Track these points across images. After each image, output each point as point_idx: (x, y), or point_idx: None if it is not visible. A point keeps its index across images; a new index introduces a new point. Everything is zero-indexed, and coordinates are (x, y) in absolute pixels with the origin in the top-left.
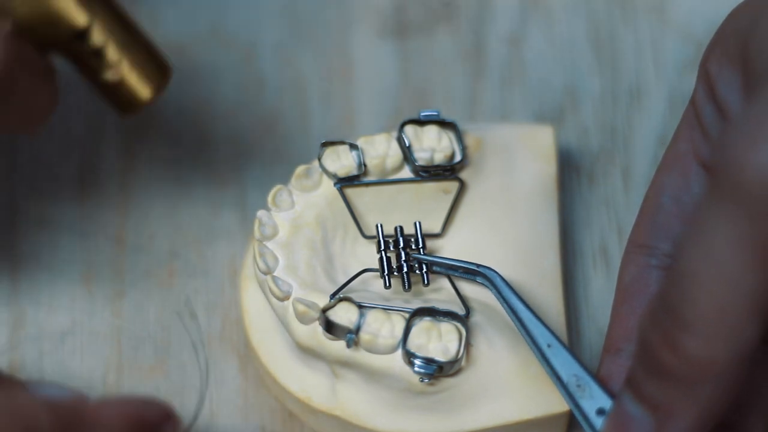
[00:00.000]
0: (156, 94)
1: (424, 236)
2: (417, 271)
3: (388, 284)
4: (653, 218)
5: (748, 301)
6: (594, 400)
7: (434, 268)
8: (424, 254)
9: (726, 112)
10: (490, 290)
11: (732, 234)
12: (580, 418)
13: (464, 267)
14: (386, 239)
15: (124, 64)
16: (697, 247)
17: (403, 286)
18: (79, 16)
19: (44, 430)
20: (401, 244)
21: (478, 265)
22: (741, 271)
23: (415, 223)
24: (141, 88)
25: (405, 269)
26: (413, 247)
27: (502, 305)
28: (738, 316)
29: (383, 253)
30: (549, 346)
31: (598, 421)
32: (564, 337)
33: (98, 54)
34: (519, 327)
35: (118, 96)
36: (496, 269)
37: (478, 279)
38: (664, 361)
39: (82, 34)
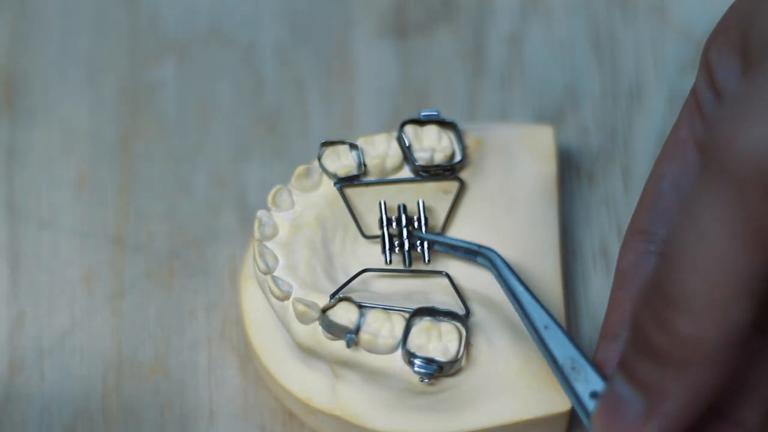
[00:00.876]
0: None
1: (420, 217)
2: (418, 249)
3: (388, 260)
4: (653, 205)
5: (738, 281)
6: (588, 384)
7: (435, 246)
8: (426, 232)
9: (724, 98)
10: (491, 271)
11: (721, 213)
12: (573, 400)
13: (465, 247)
14: (389, 218)
15: None
16: (688, 227)
17: (404, 262)
18: None
19: None
20: (404, 222)
21: (479, 246)
22: (730, 251)
23: (417, 202)
24: None
25: (406, 247)
26: (415, 225)
27: (501, 287)
28: (727, 296)
29: (385, 229)
30: (546, 327)
31: (592, 404)
32: None
33: None
34: (517, 308)
35: None
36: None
37: (479, 259)
38: (654, 342)
39: None
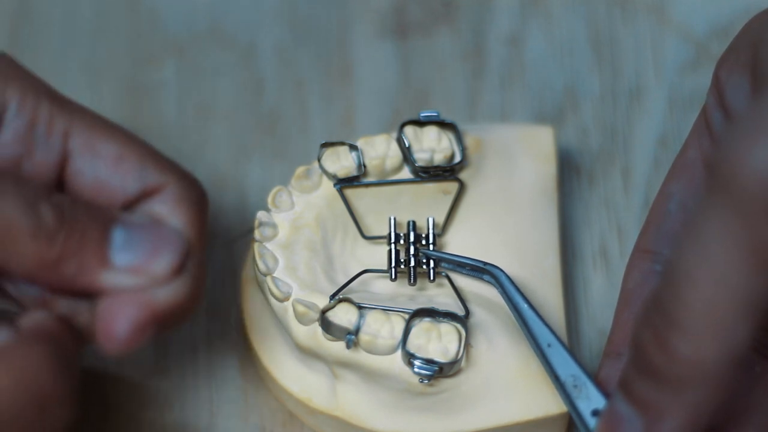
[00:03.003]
0: None
1: (428, 235)
2: (424, 266)
3: (394, 277)
4: (659, 224)
5: (739, 301)
6: (590, 401)
7: (442, 264)
8: (433, 250)
9: (733, 117)
10: (496, 288)
11: (724, 232)
12: (575, 418)
13: (471, 264)
14: (397, 234)
15: None
16: (690, 245)
17: (409, 279)
18: None
19: None
20: (412, 239)
21: (485, 263)
22: (732, 271)
23: (427, 219)
24: None
25: (412, 263)
26: (423, 242)
27: (507, 303)
28: (728, 316)
29: (393, 245)
30: (549, 345)
31: (593, 422)
32: (564, 337)
33: None
34: (521, 325)
35: None
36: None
37: (485, 277)
38: (653, 361)
39: None
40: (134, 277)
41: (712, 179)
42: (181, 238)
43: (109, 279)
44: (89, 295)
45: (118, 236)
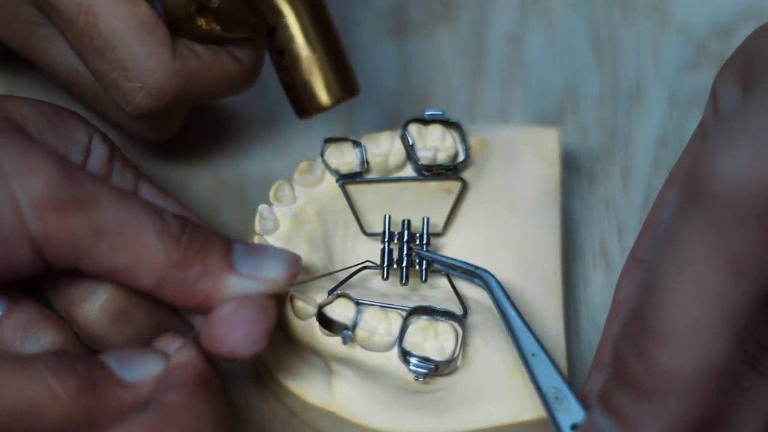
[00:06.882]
0: (329, 106)
1: (423, 235)
2: (417, 267)
3: (386, 276)
4: (652, 233)
5: (717, 312)
6: (570, 414)
7: (435, 265)
8: (426, 251)
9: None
10: (487, 292)
11: (701, 243)
12: (554, 430)
13: (463, 267)
14: (391, 232)
15: (299, 70)
16: (668, 256)
17: (401, 279)
18: (268, 16)
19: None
20: (405, 238)
21: (476, 267)
22: (710, 281)
23: (423, 219)
24: (312, 96)
25: (405, 263)
26: (417, 242)
27: (495, 308)
28: (707, 327)
29: (386, 244)
30: (533, 355)
31: None
32: (562, 337)
33: (280, 53)
34: (508, 332)
35: (292, 96)
36: (494, 272)
37: (476, 281)
38: (632, 372)
39: (271, 32)
40: (257, 283)
41: (689, 188)
42: (290, 251)
43: (233, 283)
44: (203, 306)
45: (239, 248)
